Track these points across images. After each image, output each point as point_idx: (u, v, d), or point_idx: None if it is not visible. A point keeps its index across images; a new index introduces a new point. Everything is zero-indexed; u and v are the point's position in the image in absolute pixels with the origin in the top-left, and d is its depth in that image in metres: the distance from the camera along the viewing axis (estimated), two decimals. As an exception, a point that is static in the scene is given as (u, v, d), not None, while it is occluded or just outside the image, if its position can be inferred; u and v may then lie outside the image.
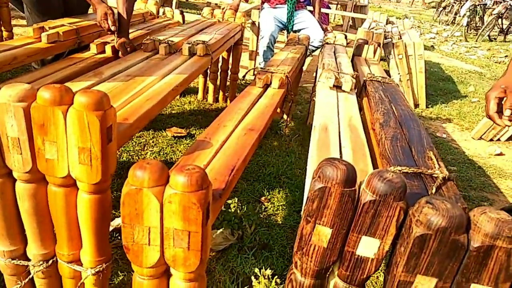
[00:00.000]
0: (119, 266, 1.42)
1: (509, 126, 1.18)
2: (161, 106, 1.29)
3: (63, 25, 1.88)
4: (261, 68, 1.84)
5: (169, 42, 1.89)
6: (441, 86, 4.38)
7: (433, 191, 0.86)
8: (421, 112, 3.55)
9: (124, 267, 1.40)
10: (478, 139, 3.12)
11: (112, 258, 1.14)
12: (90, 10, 2.38)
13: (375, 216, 0.72)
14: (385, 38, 3.49)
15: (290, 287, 0.84)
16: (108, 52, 1.79)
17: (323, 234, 0.76)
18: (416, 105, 3.62)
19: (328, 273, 0.84)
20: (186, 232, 0.74)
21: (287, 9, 3.18)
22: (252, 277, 1.39)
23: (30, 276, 1.08)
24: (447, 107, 3.72)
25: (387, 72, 3.66)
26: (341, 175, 0.72)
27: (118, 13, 1.85)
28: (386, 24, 4.45)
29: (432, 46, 7.13)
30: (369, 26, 3.73)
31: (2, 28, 2.91)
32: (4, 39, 2.90)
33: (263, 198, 1.98)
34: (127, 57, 1.70)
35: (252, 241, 1.61)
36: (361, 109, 1.71)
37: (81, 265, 1.07)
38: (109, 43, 1.82)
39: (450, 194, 0.87)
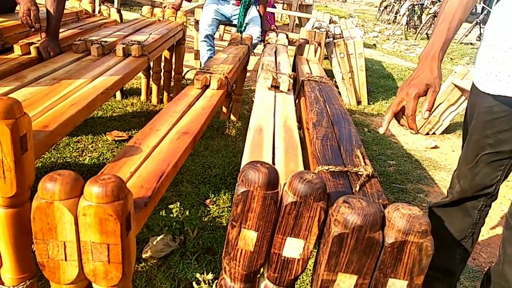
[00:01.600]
0: (51, 281, 1.34)
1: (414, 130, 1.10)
2: (88, 111, 1.23)
3: (-17, 25, 1.74)
4: (200, 68, 1.81)
5: (102, 42, 1.81)
6: (382, 83, 4.58)
7: (357, 188, 0.89)
8: (363, 108, 3.69)
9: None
10: (415, 133, 3.29)
11: (38, 274, 1.07)
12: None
13: (298, 217, 0.73)
14: (328, 37, 3.59)
15: (220, 293, 0.83)
16: (34, 53, 1.67)
17: (248, 238, 0.76)
18: (359, 102, 3.76)
19: (259, 276, 0.84)
20: (104, 245, 0.71)
21: (240, 12, 3.15)
22: (194, 283, 1.37)
23: None
24: (387, 104, 3.89)
25: (330, 70, 3.76)
26: (262, 178, 0.72)
27: (47, 10, 1.74)
28: (330, 23, 4.57)
29: (374, 44, 7.44)
30: (313, 26, 3.81)
31: None
32: None
33: (208, 201, 1.96)
34: (55, 59, 1.61)
35: (195, 246, 1.59)
36: (299, 108, 1.75)
37: (3, 283, 0.99)
38: (34, 43, 1.70)
39: (373, 191, 0.90)
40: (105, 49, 1.80)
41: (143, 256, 1.47)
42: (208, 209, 1.88)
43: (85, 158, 2.16)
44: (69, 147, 2.23)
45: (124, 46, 1.78)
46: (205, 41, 3.12)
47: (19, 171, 0.85)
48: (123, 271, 0.73)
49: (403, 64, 6.03)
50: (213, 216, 1.84)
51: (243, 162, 1.07)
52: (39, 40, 1.71)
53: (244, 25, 3.18)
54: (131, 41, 1.84)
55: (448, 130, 3.37)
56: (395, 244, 0.68)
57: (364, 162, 1.02)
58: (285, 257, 0.77)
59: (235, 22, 3.26)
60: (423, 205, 2.22)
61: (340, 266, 0.71)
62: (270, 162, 1.07)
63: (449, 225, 1.31)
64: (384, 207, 0.84)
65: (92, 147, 2.28)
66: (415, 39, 8.93)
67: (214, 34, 3.19)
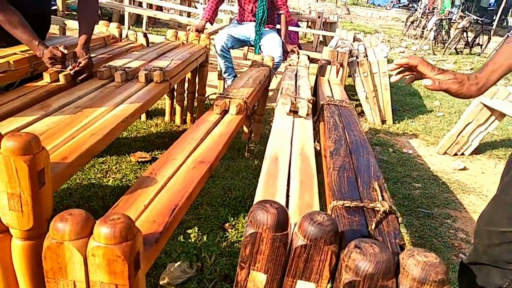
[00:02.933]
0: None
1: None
2: (107, 140, 1.26)
3: (14, 53, 1.83)
4: (220, 94, 1.83)
5: (126, 69, 1.86)
6: (408, 101, 4.49)
7: (373, 227, 0.86)
8: (388, 128, 3.61)
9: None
10: (443, 154, 3.19)
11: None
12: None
13: (308, 260, 0.71)
14: (351, 56, 3.56)
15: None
16: (62, 81, 1.74)
17: (258, 280, 0.74)
18: (383, 121, 3.69)
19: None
20: (113, 285, 0.71)
21: (255, 31, 3.22)
22: (209, 312, 1.35)
23: (-37, 328, 1.01)
24: (413, 122, 3.80)
25: (354, 89, 3.72)
26: (271, 220, 0.71)
27: (81, 27, 1.85)
28: (353, 41, 4.54)
29: (401, 60, 7.31)
30: (336, 44, 3.80)
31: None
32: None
33: (227, 225, 1.95)
34: (80, 86, 1.67)
35: (212, 273, 1.57)
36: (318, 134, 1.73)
37: (20, 313, 1.01)
38: (63, 71, 1.77)
39: (390, 229, 0.86)
40: (128, 75, 1.85)
41: (161, 282, 1.47)
42: (227, 234, 1.87)
43: (109, 180, 2.21)
44: (94, 168, 2.28)
45: (147, 72, 1.83)
46: (220, 54, 3.24)
47: (36, 205, 0.88)
48: (131, 311, 0.73)
49: (430, 80, 5.89)
50: (232, 241, 1.83)
51: (257, 194, 1.06)
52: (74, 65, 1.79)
53: (262, 45, 3.24)
54: (153, 67, 1.88)
55: (477, 151, 3.24)
56: (410, 293, 0.64)
57: (382, 196, 0.99)
58: (295, 300, 0.75)
59: (257, 47, 3.32)
60: (450, 231, 2.13)
61: (352, 314, 0.68)
62: (284, 194, 1.06)
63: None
64: (401, 248, 0.81)
65: (116, 168, 2.33)
66: (443, 54, 8.73)
67: (228, 48, 3.28)
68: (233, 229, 1.92)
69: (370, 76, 3.53)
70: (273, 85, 4.20)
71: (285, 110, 1.65)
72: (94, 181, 2.18)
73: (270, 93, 3.61)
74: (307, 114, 1.66)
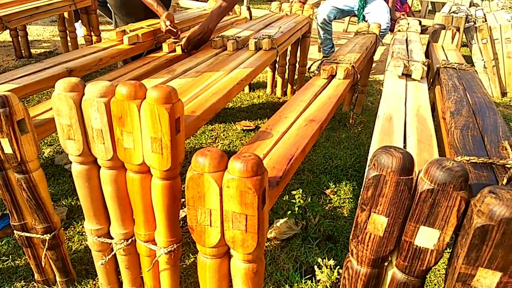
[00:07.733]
0: (191, 249, 1.52)
1: None
2: (226, 100, 1.36)
3: (142, 27, 2.05)
4: (325, 57, 1.83)
5: (237, 38, 1.96)
6: (536, 71, 3.92)
7: (504, 182, 0.80)
8: (510, 101, 3.23)
9: (195, 250, 1.51)
10: None
11: (183, 240, 1.23)
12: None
13: (434, 206, 0.70)
14: (467, 22, 3.23)
15: (346, 274, 0.85)
16: (178, 51, 1.91)
17: (378, 222, 0.76)
18: (504, 94, 3.30)
19: (386, 263, 0.83)
20: (243, 215, 0.78)
21: (359, 0, 3.13)
22: (315, 267, 1.40)
23: (113, 252, 1.21)
24: (542, 95, 3.33)
25: (469, 58, 3.38)
26: (396, 163, 0.71)
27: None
28: (469, 7, 4.09)
29: (527, 27, 6.38)
30: (449, 10, 3.47)
31: (92, 33, 3.24)
32: (93, 43, 3.23)
33: (328, 191, 1.97)
34: (197, 55, 1.81)
35: (316, 232, 1.62)
36: (433, 98, 1.63)
37: (156, 244, 1.17)
38: (179, 42, 1.94)
39: (525, 186, 0.80)
40: (239, 44, 1.94)
41: (268, 236, 1.57)
42: (329, 198, 1.90)
43: (218, 145, 2.38)
44: (205, 134, 2.48)
45: (256, 40, 1.90)
46: (321, 26, 3.23)
47: (173, 148, 1.00)
48: (258, 240, 0.81)
49: None
50: (334, 205, 1.85)
51: (371, 150, 1.06)
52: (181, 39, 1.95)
53: (367, 13, 3.12)
54: (262, 35, 1.95)
55: None
56: (554, 243, 0.60)
57: (514, 154, 0.91)
58: (417, 246, 0.75)
59: (360, 15, 3.22)
60: None
61: (481, 261, 0.66)
62: (401, 151, 1.04)
63: None
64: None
65: (223, 135, 2.49)
66: None
67: (331, 20, 3.23)
68: (335, 195, 1.94)
69: (489, 43, 3.16)
70: (376, 57, 4.02)
71: (397, 73, 1.58)
72: (205, 146, 2.37)
73: (373, 65, 3.47)
74: (421, 78, 1.58)
